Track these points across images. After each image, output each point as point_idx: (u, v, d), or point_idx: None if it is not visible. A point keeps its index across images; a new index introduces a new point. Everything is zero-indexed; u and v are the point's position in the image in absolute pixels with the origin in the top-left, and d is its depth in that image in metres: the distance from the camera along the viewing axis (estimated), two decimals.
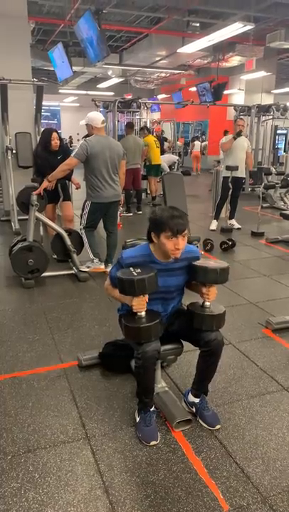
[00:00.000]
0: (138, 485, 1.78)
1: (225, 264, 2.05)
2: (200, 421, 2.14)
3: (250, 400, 2.35)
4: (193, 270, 2.05)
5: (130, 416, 2.18)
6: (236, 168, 5.85)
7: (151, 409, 2.07)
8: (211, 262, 2.09)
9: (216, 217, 6.32)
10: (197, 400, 2.17)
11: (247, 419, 2.19)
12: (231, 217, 6.41)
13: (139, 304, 1.91)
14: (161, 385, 2.32)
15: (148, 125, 9.80)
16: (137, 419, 2.09)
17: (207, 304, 2.06)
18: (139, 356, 1.92)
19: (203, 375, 2.15)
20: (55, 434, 2.07)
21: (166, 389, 2.32)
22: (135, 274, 1.87)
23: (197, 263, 2.04)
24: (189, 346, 2.20)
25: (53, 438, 2.04)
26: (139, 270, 1.90)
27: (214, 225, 6.28)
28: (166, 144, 11.65)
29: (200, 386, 2.18)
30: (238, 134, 5.78)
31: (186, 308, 2.20)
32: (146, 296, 1.93)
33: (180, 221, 1.88)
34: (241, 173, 6.10)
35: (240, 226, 6.39)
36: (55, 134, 4.55)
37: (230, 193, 6.06)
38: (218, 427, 2.10)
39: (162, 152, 9.53)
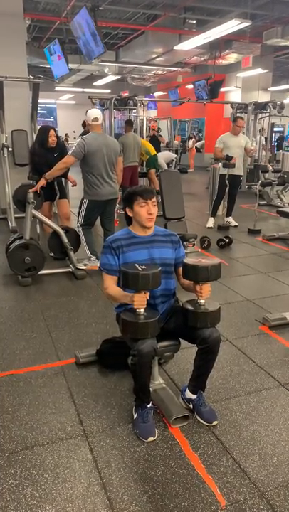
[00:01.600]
0: (136, 481, 1.78)
1: (216, 261, 2.06)
2: (197, 417, 2.15)
3: (247, 396, 2.36)
4: (184, 269, 2.08)
5: (128, 413, 2.19)
6: (233, 165, 5.85)
7: (148, 406, 2.08)
8: (203, 259, 2.09)
9: (213, 214, 6.33)
10: (194, 397, 2.18)
11: (244, 415, 2.20)
12: (228, 214, 6.42)
13: (140, 300, 1.93)
14: (158, 381, 2.33)
15: (144, 123, 9.77)
16: (134, 416, 2.10)
17: (201, 301, 2.07)
18: (135, 353, 1.93)
19: (201, 371, 2.16)
20: (52, 431, 2.07)
21: (164, 385, 2.32)
22: (140, 269, 1.89)
23: (188, 261, 2.06)
24: (186, 343, 2.21)
25: (50, 435, 2.04)
26: (144, 266, 1.94)
27: (211, 222, 6.29)
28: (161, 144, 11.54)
29: (197, 382, 2.19)
30: (228, 159, 5.77)
31: (181, 305, 2.21)
32: (148, 293, 1.95)
33: (148, 190, 2.19)
34: (238, 170, 6.10)
35: (237, 224, 6.40)
36: (52, 132, 4.55)
37: (227, 190, 6.07)
38: (215, 422, 2.11)
39: (158, 151, 9.53)
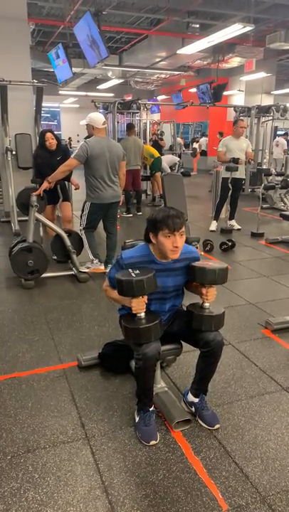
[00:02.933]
0: (137, 485, 1.78)
1: (224, 265, 2.05)
2: (199, 421, 2.15)
3: (249, 400, 2.35)
4: (191, 271, 2.05)
5: (130, 416, 2.19)
6: (236, 168, 5.86)
7: (151, 409, 2.08)
8: (210, 262, 2.09)
9: (216, 218, 6.32)
10: (196, 400, 2.17)
11: (246, 419, 2.19)
12: (231, 218, 6.42)
13: (139, 305, 1.92)
14: (160, 385, 2.33)
15: (148, 127, 9.80)
16: (136, 419, 2.10)
17: (206, 304, 2.06)
18: (139, 357, 1.92)
19: (203, 374, 2.16)
20: (54, 434, 2.07)
21: (166, 389, 2.32)
22: (134, 276, 1.87)
23: (196, 264, 2.04)
24: (189, 346, 2.21)
25: (52, 438, 2.04)
26: (137, 271, 1.91)
27: (214, 225, 6.29)
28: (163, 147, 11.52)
29: (199, 386, 2.18)
30: (235, 161, 5.78)
31: (185, 309, 2.20)
32: (146, 297, 1.94)
33: (177, 219, 1.90)
34: (241, 174, 6.11)
35: (240, 227, 6.40)
36: (48, 134, 4.57)
37: (230, 193, 6.07)
38: (217, 426, 2.11)
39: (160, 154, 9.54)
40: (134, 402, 2.15)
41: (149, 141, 9.75)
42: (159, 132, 11.92)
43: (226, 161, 5.92)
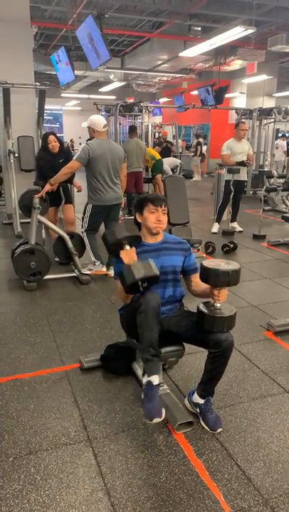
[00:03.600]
0: (139, 487, 1.78)
1: (236, 266, 2.01)
2: (202, 423, 2.14)
3: (251, 402, 2.35)
4: (204, 272, 2.03)
5: (132, 418, 2.18)
6: (238, 170, 5.87)
7: (155, 384, 1.96)
8: (222, 263, 2.05)
9: (218, 220, 6.33)
10: (202, 401, 2.15)
11: (248, 421, 2.19)
12: (233, 220, 6.42)
13: (128, 256, 2.06)
14: (162, 387, 2.32)
15: (150, 129, 9.82)
16: (142, 396, 2.00)
17: (218, 305, 2.05)
18: (140, 307, 1.97)
19: (211, 375, 2.12)
20: (56, 436, 2.07)
21: (168, 391, 2.31)
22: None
23: (208, 265, 2.00)
24: (190, 348, 2.21)
25: (54, 440, 2.04)
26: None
27: (216, 227, 6.29)
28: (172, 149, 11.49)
29: (207, 387, 2.15)
30: (242, 164, 5.91)
31: (190, 310, 2.20)
32: (134, 248, 2.10)
33: (158, 198, 2.22)
34: (243, 176, 6.11)
35: (241, 229, 6.40)
36: (51, 137, 4.59)
37: (232, 196, 6.08)
38: (219, 430, 2.10)
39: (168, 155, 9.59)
40: (137, 404, 2.13)
41: (154, 144, 9.75)
42: (166, 135, 11.89)
43: (232, 164, 5.92)
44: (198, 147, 14.03)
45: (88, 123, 4.06)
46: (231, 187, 5.97)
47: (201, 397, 2.16)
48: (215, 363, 2.09)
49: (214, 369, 2.11)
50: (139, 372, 2.42)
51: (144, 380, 1.98)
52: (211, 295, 2.07)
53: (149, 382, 1.95)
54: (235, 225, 6.42)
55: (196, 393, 2.19)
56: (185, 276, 2.34)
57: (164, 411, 1.94)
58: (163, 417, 1.93)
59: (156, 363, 1.99)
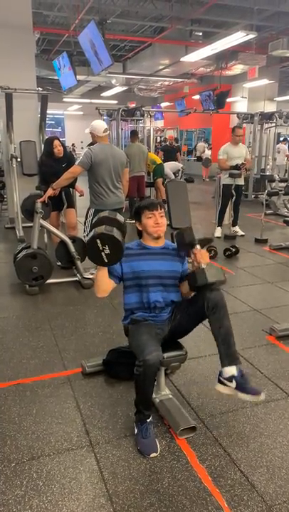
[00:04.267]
0: (142, 493, 1.77)
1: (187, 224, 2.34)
2: (241, 396, 1.97)
3: (254, 407, 2.33)
4: (177, 236, 2.24)
5: (134, 423, 2.17)
6: (239, 175, 5.87)
7: (148, 420, 2.03)
8: None
9: (220, 224, 6.33)
10: (235, 371, 1.99)
11: (251, 427, 2.18)
12: (234, 224, 6.42)
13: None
14: (165, 392, 2.32)
15: (151, 133, 9.84)
16: (136, 431, 2.06)
17: (202, 266, 2.13)
18: (140, 364, 1.91)
19: (223, 334, 2.03)
20: (59, 441, 2.06)
21: (170, 396, 2.31)
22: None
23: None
24: (193, 353, 2.20)
25: (56, 445, 2.04)
26: None
27: (219, 232, 6.28)
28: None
29: (227, 351, 2.03)
30: (237, 168, 5.88)
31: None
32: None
33: (153, 202, 2.30)
34: (241, 180, 6.14)
35: (243, 233, 6.40)
36: (56, 142, 4.61)
37: (233, 200, 6.09)
38: (262, 395, 1.98)
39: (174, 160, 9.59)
40: (133, 412, 2.11)
41: (155, 148, 9.76)
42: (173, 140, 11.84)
43: (228, 169, 5.94)
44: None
45: (90, 129, 4.09)
46: (233, 191, 5.98)
47: (230, 364, 2.01)
48: (217, 319, 2.04)
49: (221, 327, 2.03)
50: None
51: (137, 417, 2.06)
52: (193, 262, 2.16)
53: (143, 420, 2.03)
54: (236, 229, 6.42)
55: (224, 368, 2.02)
56: (180, 282, 2.36)
57: (158, 444, 2.01)
58: (159, 451, 1.99)
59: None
